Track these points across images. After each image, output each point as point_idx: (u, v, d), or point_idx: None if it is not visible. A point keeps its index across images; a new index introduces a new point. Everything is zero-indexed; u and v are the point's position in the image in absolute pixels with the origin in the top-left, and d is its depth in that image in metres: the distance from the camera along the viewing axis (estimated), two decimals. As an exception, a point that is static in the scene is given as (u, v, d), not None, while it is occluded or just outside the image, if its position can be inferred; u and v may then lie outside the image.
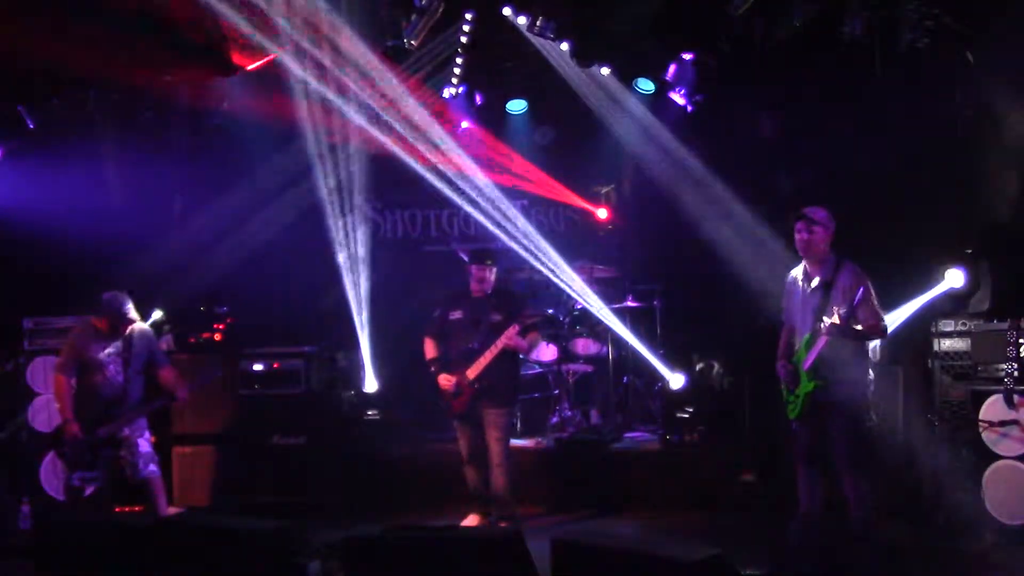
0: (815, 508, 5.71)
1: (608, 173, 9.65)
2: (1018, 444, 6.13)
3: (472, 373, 6.69)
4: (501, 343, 6.63)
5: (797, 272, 5.90)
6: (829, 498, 5.75)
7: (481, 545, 4.29)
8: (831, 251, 5.74)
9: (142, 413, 6.74)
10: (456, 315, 6.90)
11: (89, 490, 6.61)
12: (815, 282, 5.71)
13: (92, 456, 6.55)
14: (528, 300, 7.38)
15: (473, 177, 9.16)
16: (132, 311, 6.76)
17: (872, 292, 5.59)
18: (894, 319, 6.56)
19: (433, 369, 6.88)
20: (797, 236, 5.72)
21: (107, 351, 6.67)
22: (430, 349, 6.95)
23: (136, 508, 7.00)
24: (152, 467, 6.74)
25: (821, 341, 5.55)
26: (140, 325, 6.90)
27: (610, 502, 7.58)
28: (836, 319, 5.45)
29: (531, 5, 8.01)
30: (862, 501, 5.59)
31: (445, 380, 6.75)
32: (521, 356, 7.76)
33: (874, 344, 6.29)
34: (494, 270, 6.94)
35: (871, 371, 5.73)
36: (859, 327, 5.53)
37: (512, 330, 6.63)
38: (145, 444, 6.72)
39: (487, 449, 6.76)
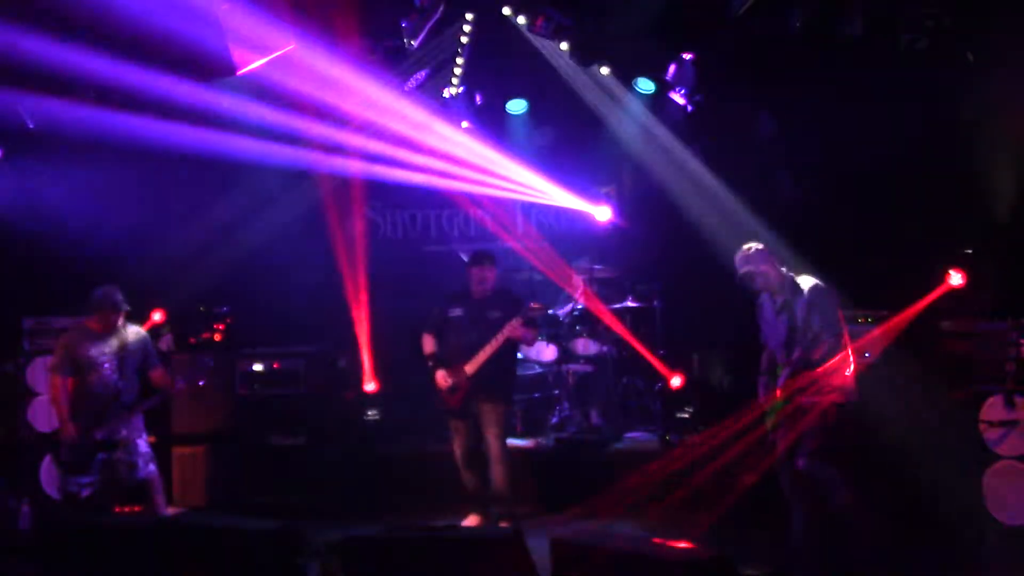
0: (812, 511, 5.71)
1: (608, 173, 9.65)
2: (1018, 444, 6.13)
3: (470, 368, 6.71)
4: (505, 333, 6.65)
5: (763, 296, 5.99)
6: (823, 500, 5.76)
7: (481, 545, 4.29)
8: (784, 272, 5.84)
9: (138, 412, 6.73)
10: (456, 312, 6.93)
11: (85, 493, 6.56)
12: (779, 303, 5.84)
13: (88, 460, 6.52)
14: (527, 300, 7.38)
15: (473, 177, 9.17)
16: (124, 303, 6.71)
17: (827, 302, 5.67)
18: (899, 321, 6.58)
19: (431, 364, 6.90)
20: (753, 288, 5.86)
21: (101, 350, 6.63)
22: (428, 344, 6.98)
23: (136, 508, 7.01)
24: (151, 467, 6.75)
25: (793, 360, 5.69)
26: (135, 326, 6.89)
27: (610, 502, 7.57)
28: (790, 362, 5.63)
29: (531, 5, 8.00)
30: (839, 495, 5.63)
31: (443, 377, 6.77)
32: (520, 355, 7.78)
33: None
34: (494, 271, 6.96)
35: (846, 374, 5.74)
36: (815, 355, 5.62)
37: (516, 321, 6.65)
38: (143, 444, 6.71)
39: (485, 446, 6.76)
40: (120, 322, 6.69)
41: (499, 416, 6.78)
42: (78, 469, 6.52)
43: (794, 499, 5.77)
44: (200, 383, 7.45)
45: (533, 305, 6.84)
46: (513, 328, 6.65)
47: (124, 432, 6.59)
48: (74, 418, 6.52)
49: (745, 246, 5.89)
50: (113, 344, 6.65)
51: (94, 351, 6.61)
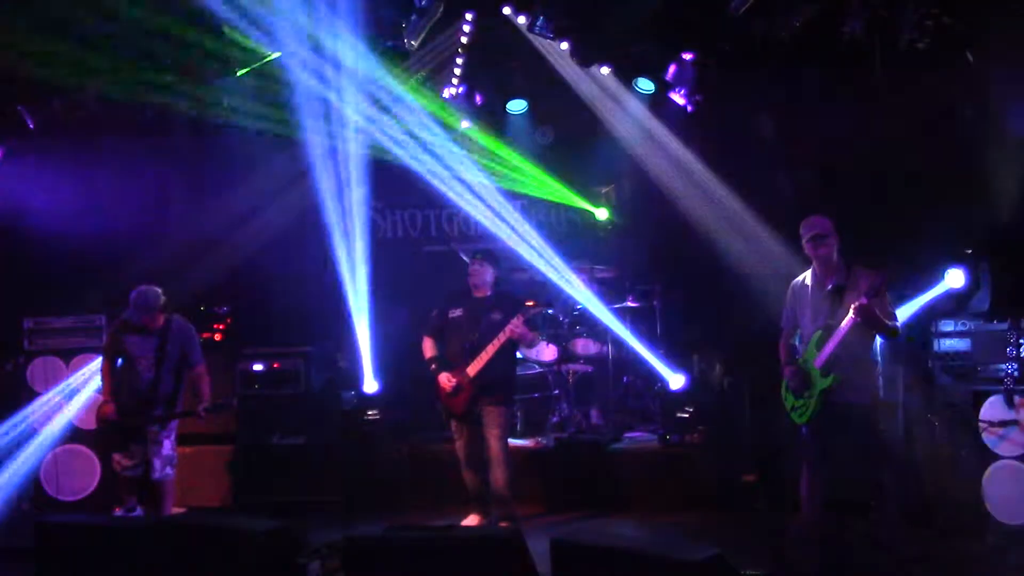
0: (817, 510, 5.70)
1: (608, 173, 9.65)
2: (1018, 444, 6.12)
3: (472, 370, 6.70)
4: (506, 333, 6.64)
5: (805, 278, 5.87)
6: (831, 500, 5.74)
7: (481, 545, 4.29)
8: (840, 256, 5.75)
9: (168, 418, 6.82)
10: (456, 313, 6.92)
11: (129, 474, 6.80)
12: (828, 286, 5.70)
13: (126, 440, 6.74)
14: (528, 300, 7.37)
15: (473, 177, 9.17)
16: (152, 312, 6.76)
17: (887, 294, 5.60)
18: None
19: (433, 367, 6.89)
20: (820, 252, 5.70)
21: (141, 347, 6.80)
22: (428, 348, 6.98)
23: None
24: (169, 470, 6.85)
25: (838, 334, 5.52)
26: (181, 320, 6.97)
27: (610, 502, 7.58)
28: (859, 306, 5.40)
29: (531, 5, 8.01)
30: (870, 509, 5.58)
31: (446, 379, 6.76)
32: (520, 355, 7.78)
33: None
34: (488, 268, 6.95)
35: (879, 376, 5.71)
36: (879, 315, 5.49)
37: (517, 320, 6.63)
38: (169, 446, 6.83)
39: (486, 448, 6.76)
40: (160, 321, 6.82)
41: (500, 417, 6.77)
42: (119, 447, 6.77)
43: (809, 497, 5.70)
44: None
45: (532, 304, 6.84)
46: (514, 327, 6.64)
47: (156, 428, 6.74)
48: (116, 399, 6.76)
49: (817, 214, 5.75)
50: (153, 342, 6.80)
51: (134, 346, 6.81)
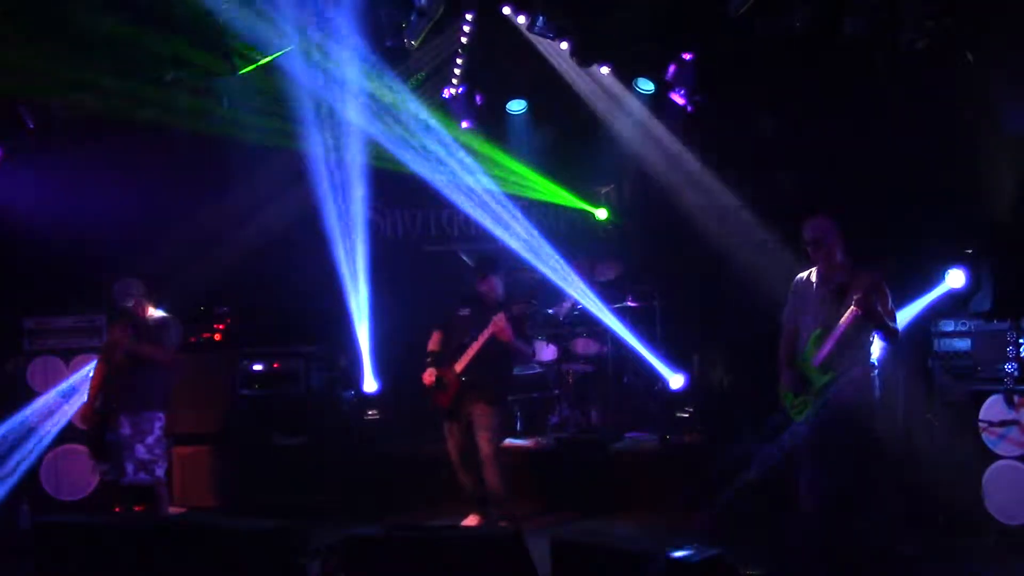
0: (817, 509, 5.69)
1: (608, 173, 9.66)
2: (1018, 444, 6.13)
3: (459, 366, 6.72)
4: (488, 332, 6.66)
5: (808, 275, 5.85)
6: (830, 499, 5.73)
7: (481, 545, 4.29)
8: (845, 255, 5.73)
9: (142, 410, 6.64)
10: (464, 312, 6.98)
11: (110, 478, 6.65)
12: (829, 285, 5.67)
13: (101, 444, 6.59)
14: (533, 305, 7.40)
15: (473, 177, 9.18)
16: (129, 300, 6.68)
17: (888, 294, 5.59)
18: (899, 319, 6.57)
19: (427, 360, 6.93)
20: (819, 255, 5.67)
21: (122, 336, 6.67)
22: (433, 341, 7.03)
23: (136, 508, 7.00)
24: (143, 475, 6.55)
25: (837, 331, 5.49)
26: (159, 314, 6.85)
27: (610, 502, 7.58)
28: (859, 297, 5.39)
29: (531, 5, 8.01)
30: (868, 508, 5.58)
31: (429, 374, 6.83)
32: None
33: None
34: (493, 279, 6.96)
35: (876, 378, 5.70)
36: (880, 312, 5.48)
37: (500, 316, 6.64)
38: (143, 451, 6.55)
39: (477, 448, 6.76)
40: (147, 312, 6.74)
41: (489, 418, 6.75)
42: (97, 453, 6.64)
43: (808, 496, 5.70)
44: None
45: (517, 302, 6.86)
46: (496, 323, 6.64)
47: (127, 431, 6.54)
48: (101, 400, 6.61)
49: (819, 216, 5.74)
50: (132, 332, 6.67)
51: (117, 337, 6.69)
